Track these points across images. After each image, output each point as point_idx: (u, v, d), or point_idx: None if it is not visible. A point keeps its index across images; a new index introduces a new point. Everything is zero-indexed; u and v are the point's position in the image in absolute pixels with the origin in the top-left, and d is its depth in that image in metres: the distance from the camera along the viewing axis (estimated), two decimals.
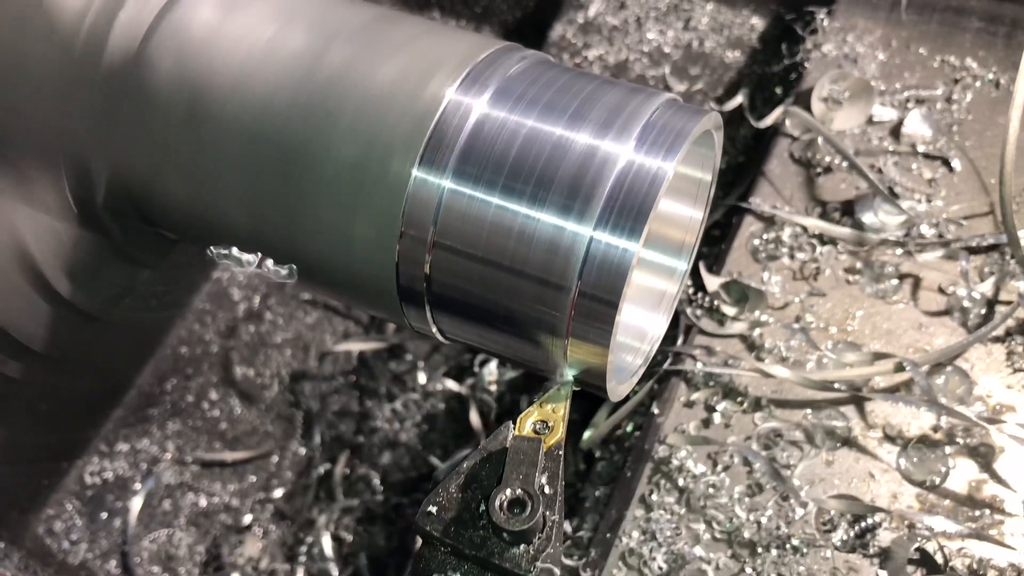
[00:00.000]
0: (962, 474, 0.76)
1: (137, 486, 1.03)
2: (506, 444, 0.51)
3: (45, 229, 0.66)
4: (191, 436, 1.07)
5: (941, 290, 0.86)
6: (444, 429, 1.08)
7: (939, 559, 0.72)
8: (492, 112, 0.51)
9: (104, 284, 0.74)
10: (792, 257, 0.91)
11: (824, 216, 0.92)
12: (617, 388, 0.56)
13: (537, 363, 0.54)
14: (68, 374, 0.85)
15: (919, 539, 0.72)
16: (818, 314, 0.86)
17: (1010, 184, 0.81)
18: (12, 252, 0.66)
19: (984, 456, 0.77)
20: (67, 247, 0.68)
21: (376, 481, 1.06)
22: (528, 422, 0.53)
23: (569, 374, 0.53)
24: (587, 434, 0.89)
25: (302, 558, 1.02)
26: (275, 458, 1.08)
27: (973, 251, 0.88)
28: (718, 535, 0.76)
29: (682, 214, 0.65)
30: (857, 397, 0.80)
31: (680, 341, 0.87)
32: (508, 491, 0.48)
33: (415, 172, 0.51)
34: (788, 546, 0.74)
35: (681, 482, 0.78)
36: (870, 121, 0.97)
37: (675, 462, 0.79)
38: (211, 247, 0.57)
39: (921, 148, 0.95)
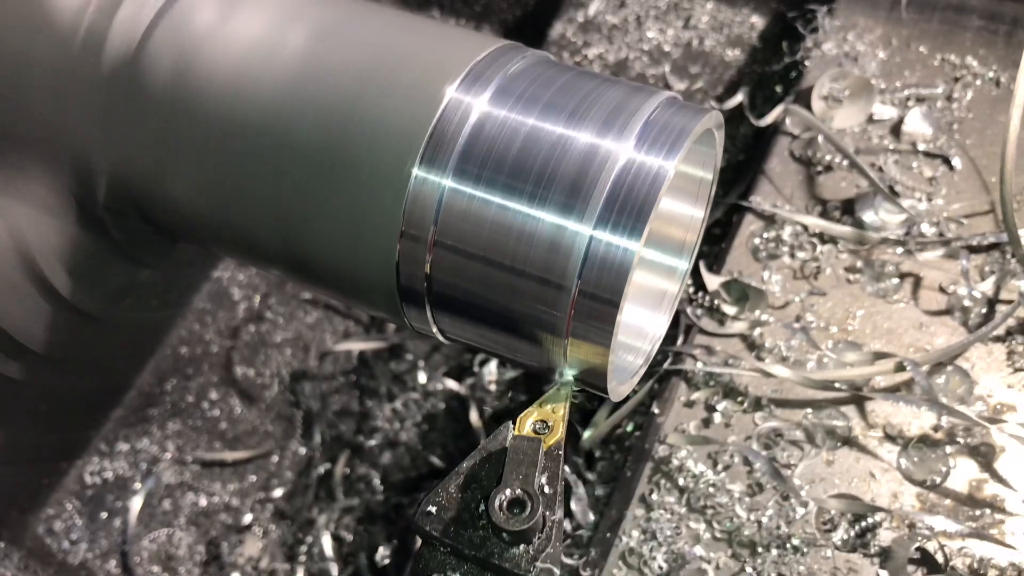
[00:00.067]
0: (963, 473, 0.76)
1: (137, 486, 1.03)
2: (506, 444, 0.51)
3: (46, 228, 0.66)
4: (191, 436, 1.07)
5: (942, 289, 0.86)
6: (444, 429, 1.08)
7: (940, 558, 0.72)
8: (493, 111, 0.51)
9: (105, 284, 0.74)
10: (792, 256, 0.90)
11: (824, 215, 0.92)
12: (618, 388, 0.56)
13: (537, 363, 0.54)
14: (68, 374, 0.85)
15: (920, 538, 0.72)
16: (818, 313, 0.86)
17: (1011, 183, 0.81)
18: (13, 252, 0.66)
19: (985, 455, 0.77)
20: (68, 247, 0.67)
21: (376, 481, 1.06)
22: (528, 422, 0.53)
23: (569, 374, 0.53)
24: (587, 433, 0.89)
25: (302, 558, 1.02)
26: (275, 458, 1.08)
27: (974, 250, 0.87)
28: (718, 535, 0.76)
29: (683, 213, 0.64)
30: (858, 397, 0.80)
31: (680, 341, 0.87)
32: (508, 491, 0.48)
33: (415, 171, 0.51)
34: (788, 546, 0.74)
35: (681, 482, 0.78)
36: (870, 119, 0.97)
37: (675, 462, 0.79)
38: None
39: (921, 146, 0.95)
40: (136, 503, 1.02)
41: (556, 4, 1.27)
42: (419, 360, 1.11)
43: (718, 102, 1.14)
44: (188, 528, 1.03)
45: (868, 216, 0.90)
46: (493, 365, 1.07)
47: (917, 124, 0.96)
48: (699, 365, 0.84)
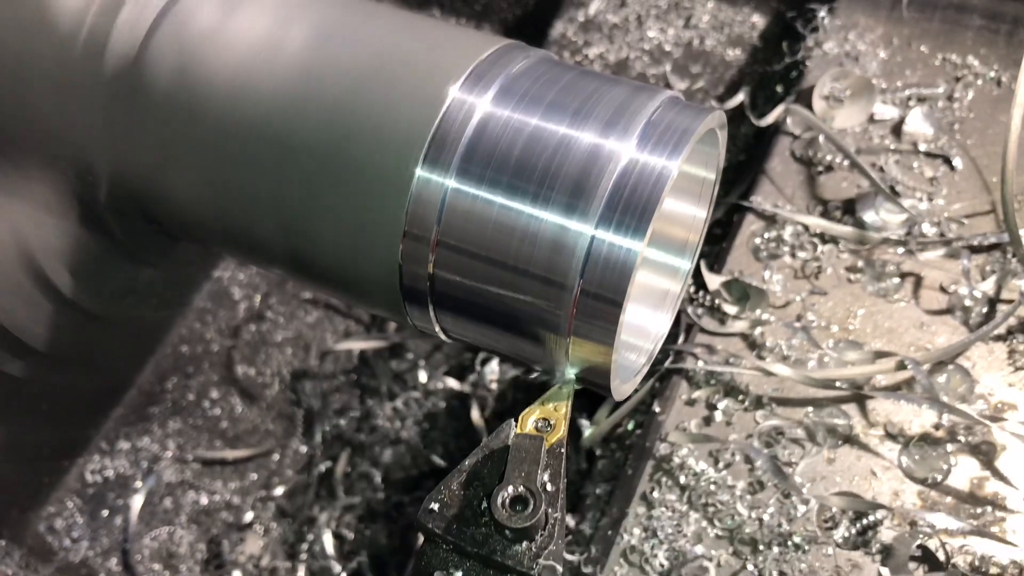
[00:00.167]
0: (964, 472, 0.76)
1: (138, 484, 1.03)
2: (508, 442, 0.51)
3: (48, 228, 0.66)
4: (192, 434, 1.07)
5: (943, 289, 0.86)
6: (445, 427, 1.08)
7: (941, 556, 0.72)
8: (496, 111, 0.51)
9: (106, 283, 0.74)
10: (793, 256, 0.91)
11: (825, 215, 0.92)
12: (621, 387, 0.56)
13: (540, 362, 0.54)
14: (70, 372, 0.85)
15: (921, 536, 0.72)
16: (819, 313, 0.86)
17: (1012, 182, 0.81)
18: (15, 251, 0.66)
19: (986, 454, 0.77)
20: (69, 246, 0.67)
21: (377, 479, 1.06)
22: (530, 420, 0.53)
23: (572, 373, 0.53)
24: (588, 432, 0.89)
25: (303, 556, 1.02)
26: (276, 456, 1.08)
27: (975, 250, 0.88)
28: (720, 532, 0.76)
29: (686, 213, 0.64)
30: (858, 395, 0.81)
31: (681, 340, 0.87)
32: (510, 488, 0.48)
33: (418, 171, 0.51)
34: (790, 543, 0.74)
35: (683, 480, 0.78)
36: (871, 119, 0.97)
37: (676, 460, 0.79)
38: None
39: (922, 146, 0.95)
40: (137, 501, 1.02)
41: (557, 3, 1.27)
42: (420, 359, 1.11)
43: (719, 102, 1.14)
44: (189, 526, 1.03)
45: (869, 216, 0.90)
46: (495, 364, 1.07)
47: (918, 124, 0.96)
48: (700, 364, 0.84)
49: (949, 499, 0.75)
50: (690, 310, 0.88)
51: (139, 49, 0.57)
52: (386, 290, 0.54)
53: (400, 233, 0.51)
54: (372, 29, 0.57)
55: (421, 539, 0.52)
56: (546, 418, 0.53)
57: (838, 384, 0.80)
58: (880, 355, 0.82)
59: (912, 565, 0.72)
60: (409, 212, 0.51)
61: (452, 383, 1.09)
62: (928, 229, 0.89)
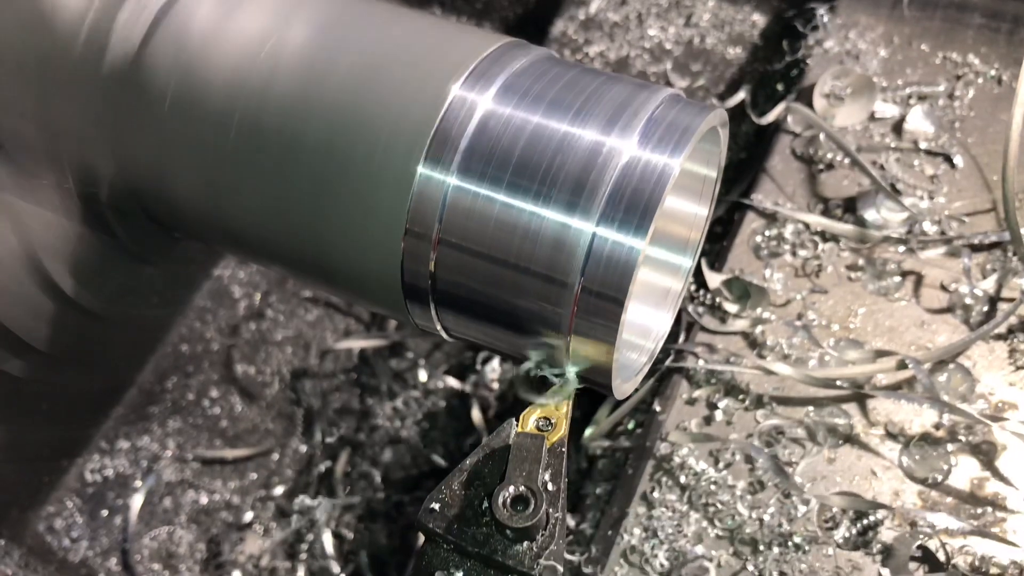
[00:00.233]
0: (964, 471, 0.76)
1: (138, 483, 1.03)
2: (509, 441, 0.51)
3: (49, 226, 0.66)
4: (192, 434, 1.07)
5: (943, 287, 0.86)
6: (445, 427, 1.08)
7: (941, 556, 0.72)
8: (497, 108, 0.51)
9: (107, 281, 0.74)
10: (794, 254, 0.90)
11: (826, 213, 0.92)
12: (622, 386, 0.56)
13: (541, 361, 0.54)
14: (70, 371, 0.85)
15: (921, 536, 0.72)
16: (820, 311, 0.86)
17: (1013, 181, 0.81)
18: (16, 249, 0.66)
19: (986, 453, 0.77)
20: (71, 244, 0.67)
21: (377, 479, 1.06)
22: (531, 419, 0.53)
23: (574, 371, 0.53)
24: (588, 431, 0.89)
25: (303, 556, 1.02)
26: (276, 456, 1.08)
27: (975, 248, 0.87)
28: (720, 532, 0.76)
29: (687, 211, 0.64)
30: (859, 394, 0.80)
31: (682, 338, 0.87)
32: (511, 488, 0.48)
33: (420, 169, 0.50)
34: (790, 543, 0.74)
35: (683, 479, 0.78)
36: (872, 117, 0.97)
37: (677, 459, 0.79)
38: None
39: (923, 145, 0.95)
40: (137, 501, 1.02)
41: (557, 1, 1.27)
42: (420, 358, 1.11)
43: (720, 100, 1.14)
44: (189, 526, 1.03)
45: (870, 214, 0.90)
46: (495, 363, 1.07)
47: (919, 122, 0.96)
48: (701, 363, 0.84)
49: (950, 499, 0.75)
50: (691, 308, 0.88)
51: (139, 49, 0.57)
52: (388, 288, 0.54)
53: (402, 231, 0.51)
54: (373, 27, 0.56)
55: (422, 539, 0.52)
56: (547, 417, 0.53)
57: (839, 383, 0.80)
58: (881, 354, 0.82)
59: (912, 565, 0.72)
60: (411, 210, 0.51)
61: (452, 382, 1.09)
62: (929, 227, 0.89)
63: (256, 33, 0.56)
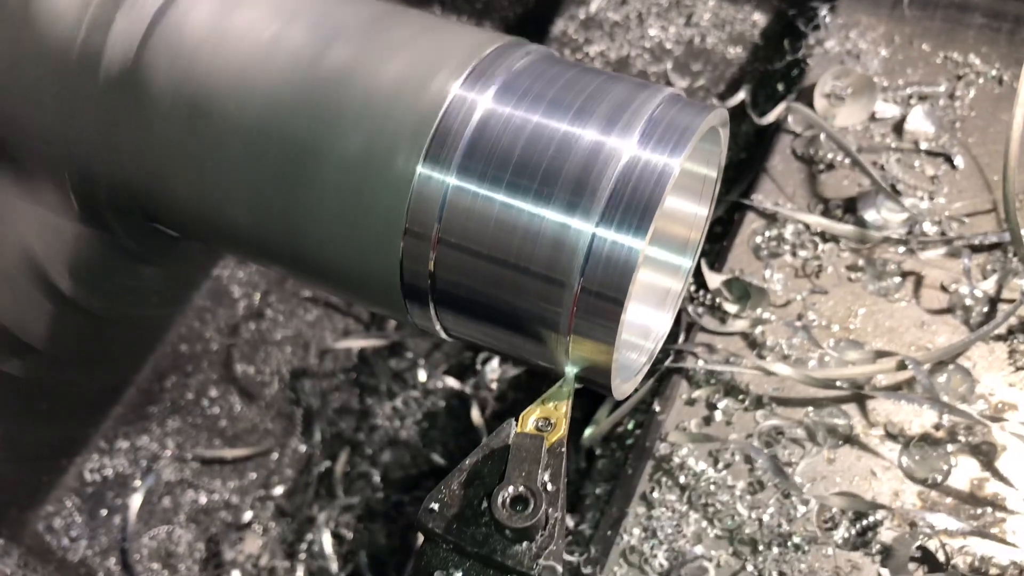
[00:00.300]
0: (964, 472, 0.76)
1: (137, 483, 1.03)
2: (508, 441, 0.51)
3: (48, 226, 0.66)
4: (191, 433, 1.07)
5: (943, 288, 0.86)
6: (445, 427, 1.08)
7: (941, 557, 0.72)
8: (497, 108, 0.51)
9: (106, 281, 0.74)
10: (794, 254, 0.90)
11: (826, 213, 0.92)
12: (622, 386, 0.56)
13: (541, 360, 0.54)
14: (69, 371, 0.85)
15: (921, 537, 0.72)
16: (820, 312, 0.86)
17: (1013, 181, 0.81)
18: (15, 249, 0.66)
19: (986, 454, 0.76)
20: (70, 244, 0.67)
21: (376, 478, 1.06)
22: (530, 419, 0.53)
23: (573, 371, 0.53)
24: (588, 431, 0.89)
25: (302, 555, 1.02)
26: (275, 455, 1.08)
27: (976, 249, 0.87)
28: (719, 532, 0.76)
29: (687, 211, 0.64)
30: (859, 395, 0.80)
31: (682, 339, 0.87)
32: (510, 488, 0.48)
33: (419, 169, 0.50)
34: (790, 544, 0.74)
35: (682, 479, 0.78)
36: (872, 118, 0.97)
37: (676, 459, 0.79)
38: None
39: (924, 145, 0.95)
40: (136, 500, 1.02)
41: (557, 1, 1.27)
42: (419, 358, 1.11)
43: (720, 100, 1.13)
44: (188, 525, 1.03)
45: (870, 215, 0.90)
46: (495, 363, 1.07)
47: (919, 122, 0.96)
48: (700, 363, 0.84)
49: (949, 499, 0.75)
50: (690, 309, 0.88)
51: (135, 57, 0.57)
52: (387, 288, 0.54)
53: (401, 231, 0.51)
54: (372, 26, 0.56)
55: (421, 539, 0.52)
56: (546, 417, 0.53)
57: (838, 384, 0.80)
58: (881, 354, 0.82)
59: (912, 566, 0.72)
60: (410, 210, 0.51)
61: (452, 382, 1.09)
62: (929, 228, 0.89)
63: (254, 34, 0.56)
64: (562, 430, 0.52)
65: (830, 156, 0.95)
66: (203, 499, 1.04)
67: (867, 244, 0.89)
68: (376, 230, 0.52)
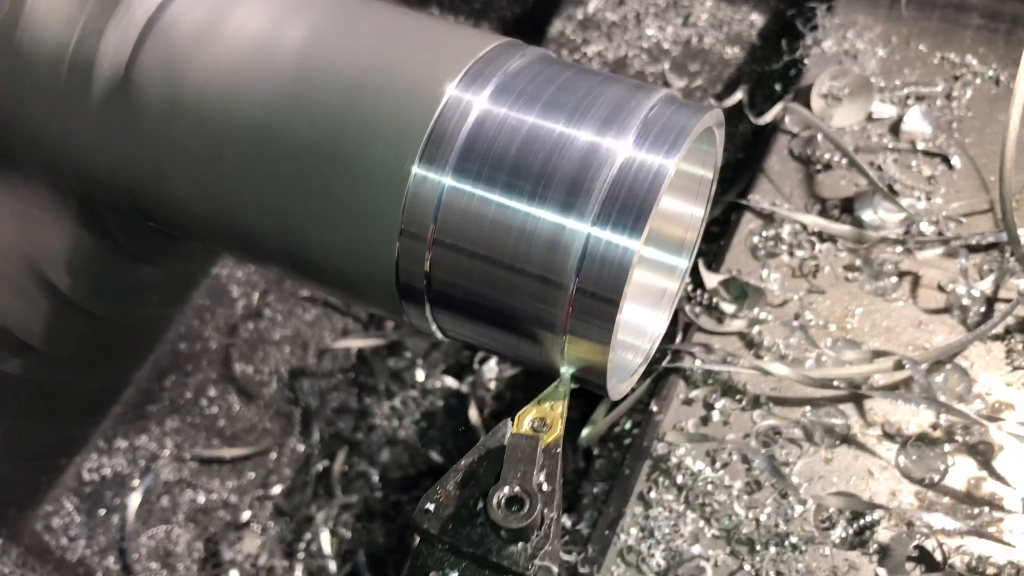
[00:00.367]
0: (961, 472, 0.76)
1: (135, 483, 1.03)
2: (504, 441, 0.51)
3: (47, 227, 0.66)
4: (190, 433, 1.07)
5: (940, 288, 0.86)
6: (443, 426, 1.08)
7: (938, 556, 0.72)
8: (493, 109, 0.51)
9: (105, 281, 0.74)
10: (791, 254, 0.90)
11: (823, 213, 0.92)
12: (618, 386, 0.56)
13: (537, 361, 0.54)
14: (68, 371, 0.85)
15: (918, 536, 0.72)
16: (817, 312, 0.86)
17: (1010, 181, 0.81)
18: (14, 250, 0.66)
19: (983, 454, 0.77)
20: (69, 245, 0.67)
21: (375, 478, 1.06)
22: (526, 420, 0.53)
23: (569, 372, 0.53)
24: (585, 431, 0.89)
25: (301, 555, 1.02)
26: (274, 455, 1.08)
27: (973, 249, 0.87)
28: (717, 532, 0.76)
29: (683, 211, 0.64)
30: (856, 395, 0.80)
31: (679, 339, 0.87)
32: (506, 489, 0.48)
33: (415, 169, 0.51)
34: (787, 543, 0.74)
35: (680, 479, 0.78)
36: (870, 118, 0.97)
37: (674, 459, 0.79)
38: None
39: (921, 145, 0.95)
40: (134, 500, 1.02)
41: (555, 1, 1.27)
42: (418, 358, 1.11)
43: (717, 100, 1.14)
44: (186, 525, 1.03)
45: (867, 215, 0.90)
46: (493, 362, 1.07)
47: (916, 123, 0.96)
48: (698, 363, 0.84)
49: (946, 499, 0.75)
50: (687, 309, 0.88)
51: (127, 66, 0.57)
52: (383, 288, 0.54)
53: (397, 231, 0.51)
54: (368, 27, 0.56)
55: (417, 538, 0.52)
56: (542, 418, 0.53)
57: (836, 383, 0.80)
58: (878, 354, 0.82)
59: (909, 565, 0.72)
60: (406, 210, 0.51)
61: (450, 382, 1.09)
62: (926, 228, 0.89)
63: (249, 36, 0.56)
64: (558, 430, 0.52)
65: (827, 156, 0.95)
66: (201, 498, 1.04)
67: (864, 244, 0.89)
68: (372, 231, 0.52)
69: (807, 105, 0.98)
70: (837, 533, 0.74)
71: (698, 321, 0.87)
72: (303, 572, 1.01)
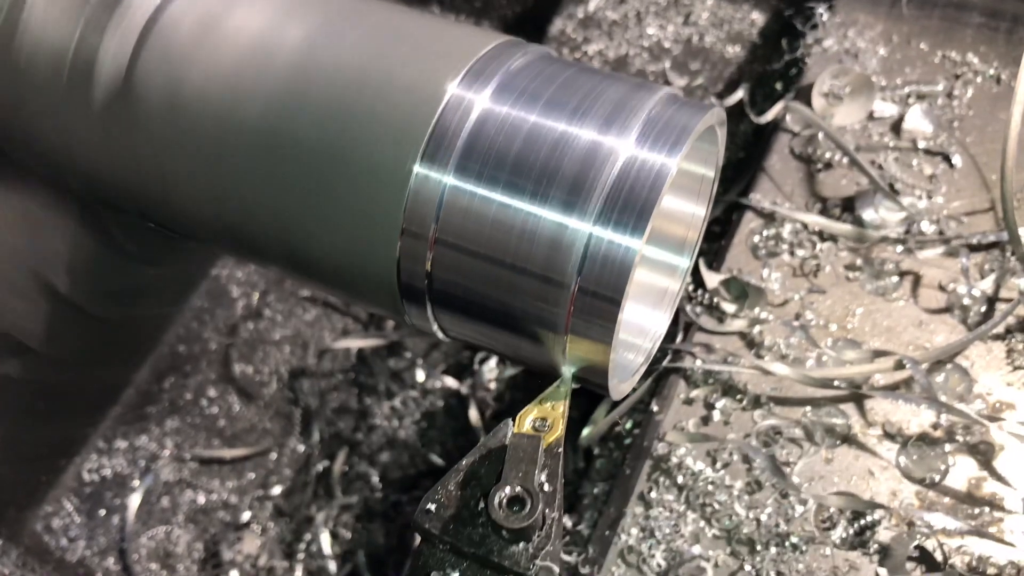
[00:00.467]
0: (962, 471, 0.76)
1: (135, 483, 1.03)
2: (505, 441, 0.51)
3: (47, 228, 0.66)
4: (189, 433, 1.07)
5: (941, 287, 0.86)
6: (443, 426, 1.08)
7: (938, 556, 0.72)
8: (494, 108, 0.51)
9: (105, 282, 0.74)
10: (792, 254, 0.90)
11: (824, 212, 0.92)
12: (619, 386, 0.56)
13: (538, 361, 0.54)
14: (68, 372, 0.85)
15: (918, 536, 0.72)
16: (818, 311, 0.86)
17: (1011, 181, 0.81)
18: (14, 251, 0.66)
19: (984, 454, 0.77)
20: (69, 246, 0.67)
21: (375, 478, 1.06)
22: (527, 419, 0.53)
23: (570, 372, 0.53)
24: (586, 431, 0.89)
25: (301, 555, 1.02)
26: (274, 455, 1.07)
27: (973, 248, 0.87)
28: (717, 532, 0.76)
29: (684, 211, 0.64)
30: (857, 395, 0.80)
31: (680, 338, 0.87)
32: (507, 489, 0.48)
33: (417, 168, 0.50)
34: (787, 543, 0.74)
35: (680, 479, 0.78)
36: (871, 117, 0.97)
37: (674, 459, 0.79)
38: None
39: (922, 144, 0.95)
40: (134, 500, 1.02)
41: (556, 0, 1.27)
42: (418, 358, 1.11)
43: (718, 99, 1.13)
44: (186, 525, 1.03)
45: (868, 214, 0.90)
46: (493, 363, 1.07)
47: (917, 121, 0.96)
48: (698, 363, 0.84)
49: (947, 499, 0.75)
50: (688, 308, 0.88)
51: (127, 67, 0.57)
52: (384, 288, 0.54)
53: (398, 230, 0.51)
54: (369, 25, 0.56)
55: (418, 539, 0.52)
56: (544, 417, 0.53)
57: (836, 383, 0.80)
58: (878, 354, 0.82)
59: (910, 565, 0.72)
60: (407, 209, 0.51)
61: (450, 382, 1.09)
62: (927, 227, 0.89)
63: (249, 36, 0.56)
64: (559, 430, 0.52)
65: (828, 155, 0.95)
66: (201, 499, 1.04)
67: (865, 243, 0.89)
68: (373, 230, 0.52)
69: (808, 104, 0.98)
70: (838, 533, 0.74)
71: (699, 321, 0.87)
72: (303, 572, 1.01)
